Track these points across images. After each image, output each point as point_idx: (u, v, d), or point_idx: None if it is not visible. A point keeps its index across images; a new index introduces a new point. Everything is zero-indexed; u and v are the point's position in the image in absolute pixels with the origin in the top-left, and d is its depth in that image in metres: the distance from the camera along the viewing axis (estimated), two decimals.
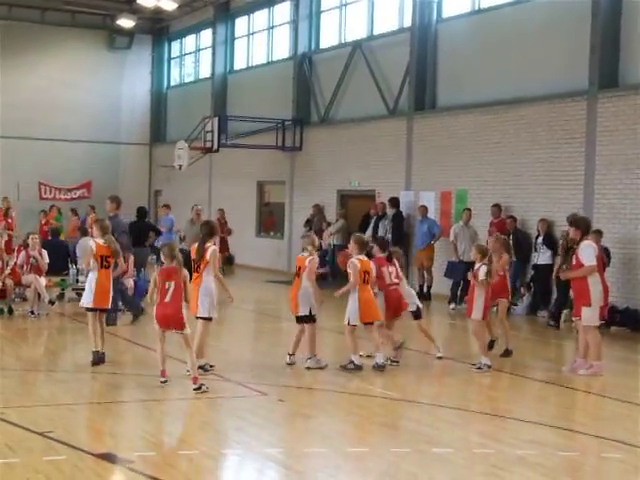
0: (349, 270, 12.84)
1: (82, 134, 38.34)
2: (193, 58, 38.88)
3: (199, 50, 38.14)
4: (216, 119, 30.05)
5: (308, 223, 27.97)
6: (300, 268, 12.80)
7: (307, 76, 30.08)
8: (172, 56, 40.39)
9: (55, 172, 36.29)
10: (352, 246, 13.09)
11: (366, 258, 12.98)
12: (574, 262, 12.96)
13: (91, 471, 7.69)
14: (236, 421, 9.86)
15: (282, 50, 31.90)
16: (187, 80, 39.40)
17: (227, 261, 28.97)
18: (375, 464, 8.19)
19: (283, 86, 30.75)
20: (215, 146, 29.94)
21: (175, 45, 40.29)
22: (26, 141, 37.18)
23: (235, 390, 11.43)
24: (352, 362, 12.73)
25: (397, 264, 13.55)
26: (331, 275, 24.77)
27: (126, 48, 39.64)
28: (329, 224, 27.19)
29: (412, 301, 13.69)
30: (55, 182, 35.48)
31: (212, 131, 29.84)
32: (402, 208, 24.59)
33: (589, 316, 12.85)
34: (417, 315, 13.77)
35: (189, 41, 39.21)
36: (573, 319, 14.05)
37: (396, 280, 13.39)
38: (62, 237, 25.52)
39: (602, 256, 13.34)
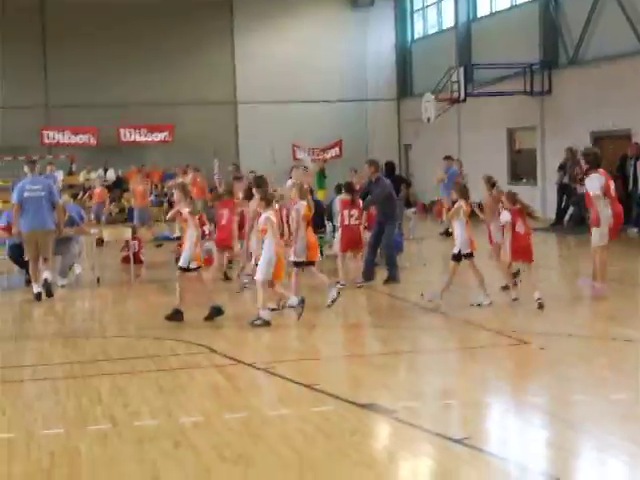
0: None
1: (330, 94, 39.17)
2: (436, 9, 38.61)
3: (441, 0, 37.84)
4: (462, 69, 29.86)
5: (561, 168, 27.31)
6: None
7: (553, 16, 29.22)
8: (415, 9, 40.27)
9: (306, 133, 37.28)
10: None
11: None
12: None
13: (357, 420, 7.94)
14: (498, 370, 9.88)
15: None
16: (431, 32, 39.19)
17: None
18: None
19: (529, 29, 30.04)
20: (462, 96, 29.83)
21: None
22: (278, 105, 38.43)
23: (495, 339, 11.41)
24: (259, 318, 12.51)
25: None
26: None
27: (369, 5, 40.01)
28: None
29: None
30: (307, 143, 36.39)
31: (458, 81, 29.70)
32: None
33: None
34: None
35: None
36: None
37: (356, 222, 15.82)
38: (320, 196, 26.19)
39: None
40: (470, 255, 13.66)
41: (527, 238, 13.40)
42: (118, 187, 35.70)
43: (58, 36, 37.05)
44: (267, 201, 12.76)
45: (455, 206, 13.73)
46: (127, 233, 19.76)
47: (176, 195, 13.44)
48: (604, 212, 14.03)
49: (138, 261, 19.48)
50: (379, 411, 8.17)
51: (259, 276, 12.59)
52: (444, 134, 34.78)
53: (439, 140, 34.97)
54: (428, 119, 31.13)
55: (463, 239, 13.57)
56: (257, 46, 38.75)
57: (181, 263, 13.00)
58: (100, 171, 36.12)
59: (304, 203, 13.78)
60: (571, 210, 27.02)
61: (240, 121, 39.16)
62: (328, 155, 35.95)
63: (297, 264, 13.84)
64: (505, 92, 29.66)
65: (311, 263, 13.93)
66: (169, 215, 14.52)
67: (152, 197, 34.09)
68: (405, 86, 40.37)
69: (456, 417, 8.24)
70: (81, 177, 36.38)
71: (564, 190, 27.20)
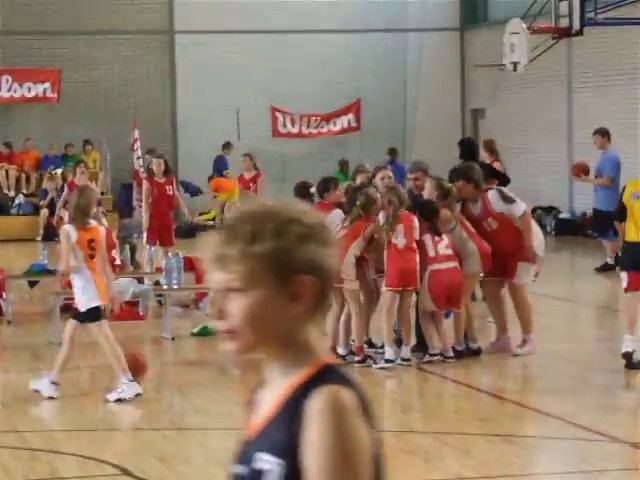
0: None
1: (339, 20, 39.59)
2: None
3: None
4: None
5: None
6: None
7: None
8: None
9: (295, 89, 37.14)
10: None
11: None
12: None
13: None
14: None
15: None
16: None
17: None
18: None
19: None
20: (576, 25, 29.37)
21: None
22: (245, 37, 38.58)
23: (561, 430, 11.95)
24: None
25: None
26: None
27: None
28: None
29: None
30: (297, 106, 35.92)
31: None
32: None
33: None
34: None
35: None
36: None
37: None
38: None
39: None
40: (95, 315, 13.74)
41: None
42: None
43: None
44: None
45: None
46: None
47: None
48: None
49: None
50: None
51: None
52: (543, 92, 34.87)
53: (535, 102, 35.09)
54: (515, 65, 30.75)
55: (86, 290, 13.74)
56: None
57: None
58: None
59: None
60: None
61: (179, 65, 39.26)
62: (336, 127, 35.53)
63: None
64: None
65: None
66: None
67: (19, 198, 34.12)
68: (474, 7, 40.70)
69: None
70: None
71: None
